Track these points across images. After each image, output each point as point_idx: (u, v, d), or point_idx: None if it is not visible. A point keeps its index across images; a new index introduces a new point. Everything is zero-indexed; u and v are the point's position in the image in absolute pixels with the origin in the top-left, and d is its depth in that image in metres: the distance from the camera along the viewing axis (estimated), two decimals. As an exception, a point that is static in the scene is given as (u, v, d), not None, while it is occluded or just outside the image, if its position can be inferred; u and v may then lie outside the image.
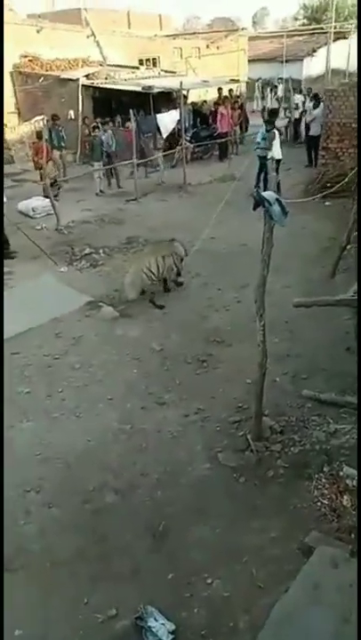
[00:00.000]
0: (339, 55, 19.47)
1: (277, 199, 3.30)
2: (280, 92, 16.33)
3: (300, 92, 14.67)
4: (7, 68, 14.11)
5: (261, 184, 9.44)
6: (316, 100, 11.21)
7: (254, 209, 3.44)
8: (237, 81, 17.07)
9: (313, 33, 22.48)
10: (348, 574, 2.62)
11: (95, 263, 7.39)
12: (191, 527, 3.24)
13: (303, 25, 28.17)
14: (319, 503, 3.29)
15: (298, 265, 6.71)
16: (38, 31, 14.81)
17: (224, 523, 3.26)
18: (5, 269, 7.01)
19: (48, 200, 9.13)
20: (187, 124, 12.73)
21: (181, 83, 11.52)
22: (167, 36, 19.75)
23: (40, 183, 10.11)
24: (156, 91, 12.98)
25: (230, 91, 15.54)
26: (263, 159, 9.36)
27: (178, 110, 11.89)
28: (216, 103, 14.40)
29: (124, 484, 3.59)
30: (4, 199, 7.75)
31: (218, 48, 19.43)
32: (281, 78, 17.36)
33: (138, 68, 16.30)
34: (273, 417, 4.03)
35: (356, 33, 20.03)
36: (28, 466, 3.79)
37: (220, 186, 10.52)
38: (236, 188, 8.27)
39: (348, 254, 6.43)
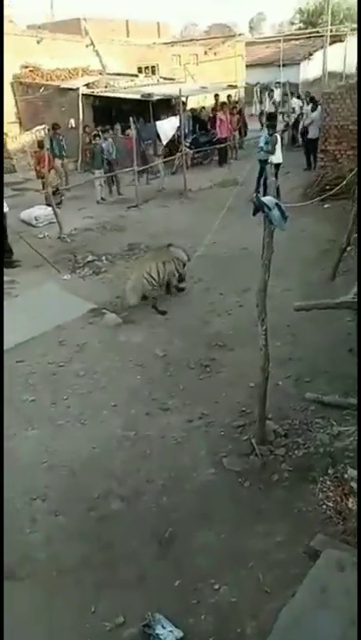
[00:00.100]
0: (335, 58, 19.61)
1: (277, 204, 3.33)
2: (277, 97, 16.45)
3: (299, 96, 14.76)
4: (8, 79, 14.28)
5: (261, 189, 9.49)
6: (314, 103, 11.28)
7: (254, 214, 3.48)
8: (235, 86, 17.19)
9: (309, 37, 22.63)
10: (355, 577, 2.60)
11: (98, 270, 7.44)
12: (197, 533, 3.24)
13: (299, 29, 28.41)
14: (324, 506, 3.29)
15: (298, 268, 6.73)
16: (38, 42, 15.01)
17: (230, 528, 3.26)
18: (9, 278, 7.07)
19: (50, 208, 9.21)
20: (186, 131, 12.82)
21: (180, 90, 11.62)
22: (165, 43, 19.93)
23: (42, 192, 10.20)
24: (155, 98, 13.09)
25: (229, 96, 15.65)
26: (264, 163, 9.43)
27: (177, 117, 11.98)
28: (214, 109, 14.51)
29: (129, 491, 3.60)
30: (6, 208, 7.82)
31: (215, 54, 19.59)
32: (278, 82, 17.48)
33: (137, 75, 16.46)
34: (277, 420, 4.03)
35: (352, 36, 20.18)
36: (34, 474, 3.81)
37: (221, 191, 10.57)
38: (236, 192, 8.31)
39: (349, 256, 6.44)
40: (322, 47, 19.27)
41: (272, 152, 9.14)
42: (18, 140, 14.24)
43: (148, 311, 6.13)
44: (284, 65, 20.15)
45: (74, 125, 13.98)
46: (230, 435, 4.02)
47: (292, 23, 33.49)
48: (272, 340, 3.87)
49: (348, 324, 5.16)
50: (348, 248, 6.32)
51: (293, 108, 14.15)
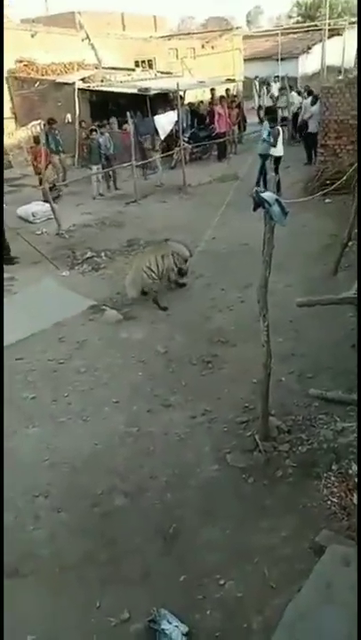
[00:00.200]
0: (333, 52, 19.51)
1: (277, 199, 3.29)
2: (274, 91, 16.35)
3: (299, 93, 14.67)
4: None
5: (262, 183, 9.45)
6: (314, 97, 11.21)
7: (254, 210, 3.44)
8: (233, 80, 17.07)
9: (307, 30, 22.51)
10: (360, 573, 2.61)
11: (97, 266, 7.40)
12: (201, 529, 3.24)
13: (297, 22, 28.26)
14: (329, 502, 3.29)
15: (300, 263, 6.70)
16: (33, 36, 14.84)
17: (234, 523, 3.25)
18: (7, 275, 7.02)
19: (48, 205, 9.14)
20: (184, 125, 12.74)
21: (178, 84, 11.52)
22: (162, 37, 19.75)
23: (39, 188, 10.12)
24: (152, 92, 12.98)
25: (227, 90, 15.54)
26: (265, 157, 9.40)
27: (175, 111, 11.90)
28: (211, 104, 14.41)
29: (133, 487, 3.59)
30: (4, 205, 7.75)
31: (213, 48, 19.45)
32: (277, 76, 17.38)
33: (134, 69, 16.31)
34: (280, 416, 4.02)
35: (350, 29, 20.06)
36: (36, 471, 3.79)
37: (220, 186, 10.52)
38: (236, 187, 8.26)
39: (350, 251, 6.41)
40: (320, 41, 19.16)
41: (274, 145, 9.14)
42: (14, 135, 14.10)
43: (148, 307, 6.10)
44: (282, 59, 20.04)
45: (70, 120, 13.85)
46: (234, 431, 4.01)
47: (290, 17, 33.31)
48: (274, 336, 3.85)
49: (351, 320, 5.14)
50: (350, 243, 6.29)
51: (292, 102, 14.05)
